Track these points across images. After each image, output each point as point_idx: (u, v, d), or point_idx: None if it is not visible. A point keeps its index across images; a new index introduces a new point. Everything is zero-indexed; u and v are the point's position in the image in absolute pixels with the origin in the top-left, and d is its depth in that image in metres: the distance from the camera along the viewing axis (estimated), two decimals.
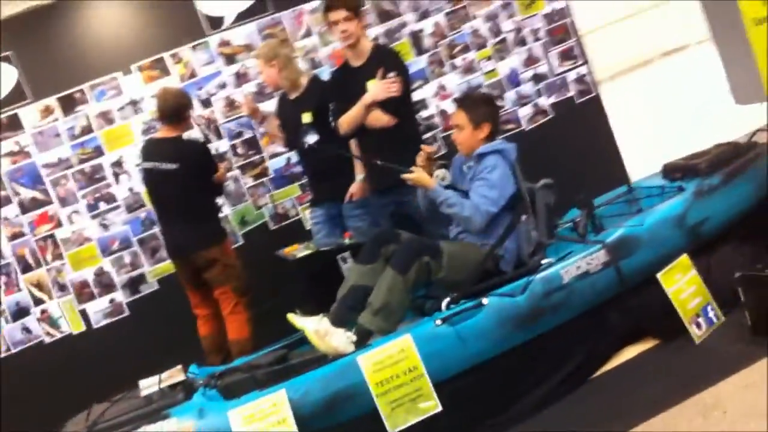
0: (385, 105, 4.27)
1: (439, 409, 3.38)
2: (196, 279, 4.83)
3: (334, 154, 4.47)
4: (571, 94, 6.13)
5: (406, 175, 3.94)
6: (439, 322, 3.55)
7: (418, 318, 3.91)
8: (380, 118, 4.30)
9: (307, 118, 4.63)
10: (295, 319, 3.75)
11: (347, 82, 4.42)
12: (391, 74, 4.23)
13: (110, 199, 5.43)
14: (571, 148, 5.95)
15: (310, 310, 3.89)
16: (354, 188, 4.67)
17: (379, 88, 4.23)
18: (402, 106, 4.33)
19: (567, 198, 4.30)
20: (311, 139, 4.64)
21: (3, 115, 5.27)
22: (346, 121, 4.40)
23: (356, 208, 4.69)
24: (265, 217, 5.64)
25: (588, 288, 3.75)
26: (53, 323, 5.36)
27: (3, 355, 5.28)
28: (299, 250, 4.43)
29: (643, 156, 5.88)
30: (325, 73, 5.33)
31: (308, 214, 5.28)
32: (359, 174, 4.67)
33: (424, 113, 5.84)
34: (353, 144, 4.63)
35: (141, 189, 5.33)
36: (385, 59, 4.38)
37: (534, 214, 3.94)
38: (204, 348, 4.85)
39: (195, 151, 4.87)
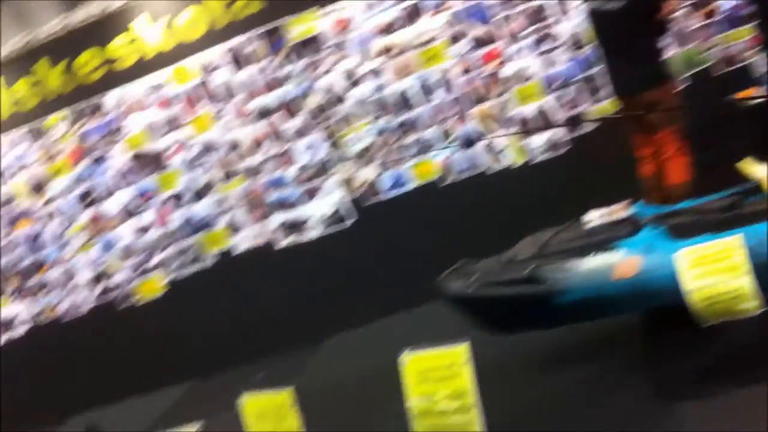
0: None
1: None
2: (639, 120, 4.83)
3: None
4: None
5: None
6: None
7: None
8: None
9: None
10: (749, 166, 3.60)
11: None
12: None
13: (554, 37, 5.54)
14: None
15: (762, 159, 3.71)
16: None
17: None
18: None
19: None
20: None
21: None
22: None
23: None
24: (710, 61, 5.37)
25: None
26: (497, 155, 5.75)
27: (448, 182, 5.82)
28: (752, 96, 4.20)
29: None
30: None
31: None
32: None
33: None
34: None
35: (584, 28, 5.36)
36: None
37: None
38: (644, 190, 4.88)
39: None
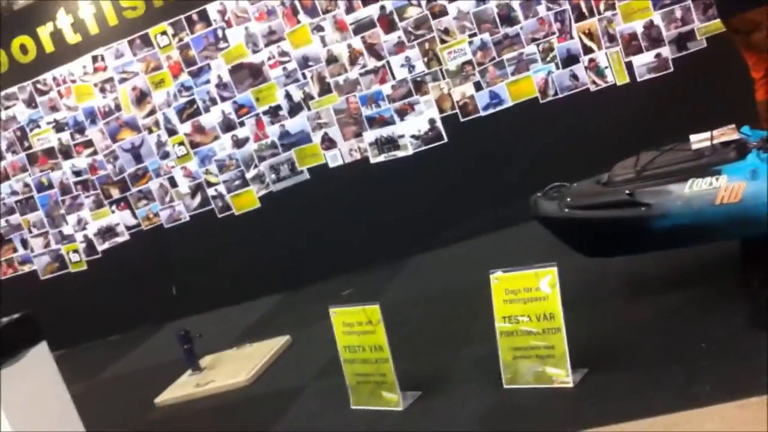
0: None
1: None
2: (746, 41, 4.58)
3: None
4: None
5: None
6: None
7: None
8: None
9: None
10: None
11: None
12: None
13: None
14: None
15: None
16: None
17: None
18: None
19: None
20: None
21: None
22: None
23: None
24: None
25: None
26: (599, 73, 5.54)
27: (547, 99, 5.67)
28: None
29: None
30: None
31: None
32: None
33: None
34: None
35: None
36: None
37: None
38: (760, 113, 4.67)
39: None
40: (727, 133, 3.64)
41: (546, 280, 3.36)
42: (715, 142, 3.59)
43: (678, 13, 5.30)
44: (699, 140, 3.67)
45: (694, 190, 3.41)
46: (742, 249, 3.57)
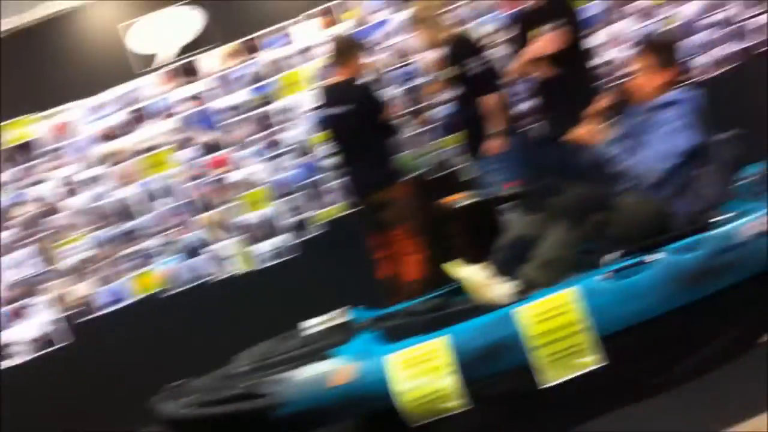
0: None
1: (601, 364, 3.30)
2: (373, 219, 4.98)
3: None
4: (756, 41, 5.71)
5: (573, 134, 3.84)
6: (604, 276, 3.44)
7: (581, 272, 3.81)
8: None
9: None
10: (454, 268, 3.75)
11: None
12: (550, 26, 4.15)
13: (280, 144, 5.58)
14: (755, 101, 5.55)
15: (469, 260, 3.88)
16: (493, 142, 4.72)
17: (540, 41, 4.17)
18: (569, 55, 4.22)
19: (750, 152, 4.04)
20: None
21: (183, 61, 5.51)
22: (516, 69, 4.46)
23: (495, 162, 4.75)
24: (426, 166, 5.64)
25: (764, 249, 3.52)
26: (223, 262, 5.61)
27: (171, 293, 5.59)
28: (460, 200, 4.42)
29: None
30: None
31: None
32: (496, 128, 4.69)
33: (596, 60, 5.63)
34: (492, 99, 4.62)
35: (310, 135, 5.51)
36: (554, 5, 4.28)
37: (713, 168, 3.72)
38: (388, 288, 5.00)
39: (363, 93, 4.95)
40: (337, 316, 3.81)
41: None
42: (326, 326, 3.72)
43: (296, 202, 5.59)
44: (311, 325, 3.79)
45: (308, 376, 3.46)
46: (363, 427, 3.66)
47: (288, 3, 5.55)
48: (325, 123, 5.08)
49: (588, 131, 3.82)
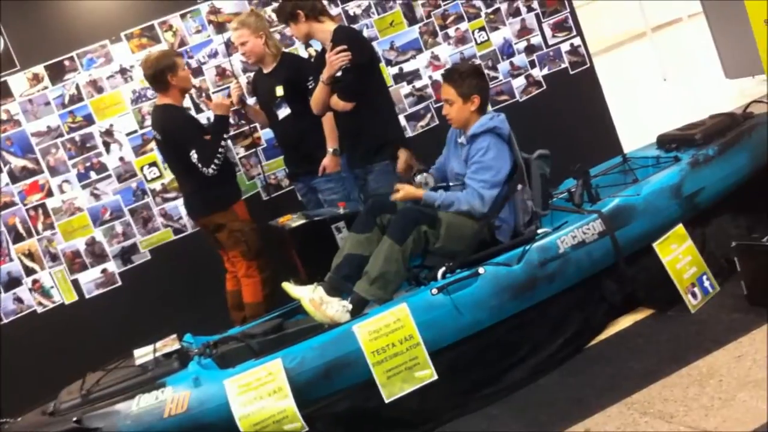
0: (343, 89, 4.32)
1: (435, 377, 3.40)
2: (214, 239, 4.90)
3: (306, 128, 4.72)
4: (565, 65, 6.09)
5: (394, 196, 3.97)
6: (435, 291, 3.55)
7: (413, 287, 3.91)
8: (337, 103, 4.41)
9: (280, 91, 4.79)
10: (290, 288, 3.76)
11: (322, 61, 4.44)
12: (339, 48, 4.26)
13: (101, 168, 5.36)
14: (566, 120, 5.93)
15: (304, 280, 3.89)
16: (326, 162, 4.77)
17: (329, 62, 4.27)
18: (361, 87, 4.35)
19: (562, 168, 4.31)
20: (283, 112, 4.83)
21: None
22: (312, 102, 4.54)
23: (329, 182, 4.81)
24: (258, 188, 5.60)
25: (584, 257, 3.76)
26: (45, 293, 5.31)
27: None
28: (293, 220, 4.42)
29: (636, 127, 5.87)
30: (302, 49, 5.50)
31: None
32: (331, 147, 4.76)
33: (417, 84, 5.81)
34: (328, 118, 4.70)
35: (132, 158, 5.33)
36: (341, 35, 4.40)
37: (529, 185, 3.93)
38: (228, 303, 4.96)
39: (172, 119, 4.75)
40: (169, 344, 3.71)
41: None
42: (158, 354, 3.62)
43: (119, 229, 5.38)
44: (143, 354, 3.67)
45: (142, 407, 3.35)
46: None
47: (109, 21, 5.35)
48: (157, 145, 5.01)
49: (406, 191, 3.99)
